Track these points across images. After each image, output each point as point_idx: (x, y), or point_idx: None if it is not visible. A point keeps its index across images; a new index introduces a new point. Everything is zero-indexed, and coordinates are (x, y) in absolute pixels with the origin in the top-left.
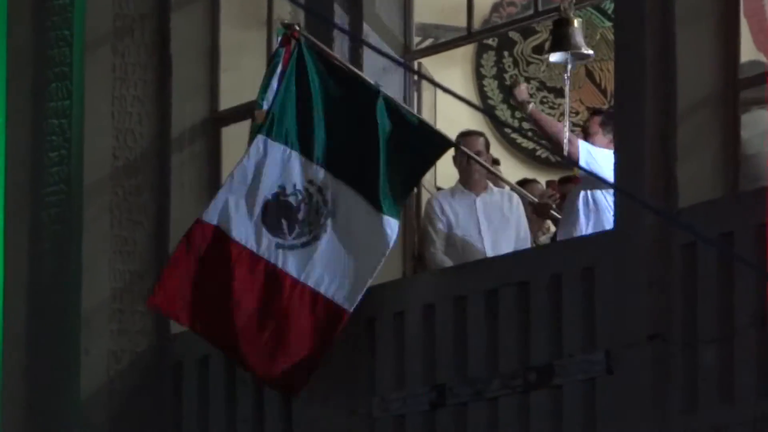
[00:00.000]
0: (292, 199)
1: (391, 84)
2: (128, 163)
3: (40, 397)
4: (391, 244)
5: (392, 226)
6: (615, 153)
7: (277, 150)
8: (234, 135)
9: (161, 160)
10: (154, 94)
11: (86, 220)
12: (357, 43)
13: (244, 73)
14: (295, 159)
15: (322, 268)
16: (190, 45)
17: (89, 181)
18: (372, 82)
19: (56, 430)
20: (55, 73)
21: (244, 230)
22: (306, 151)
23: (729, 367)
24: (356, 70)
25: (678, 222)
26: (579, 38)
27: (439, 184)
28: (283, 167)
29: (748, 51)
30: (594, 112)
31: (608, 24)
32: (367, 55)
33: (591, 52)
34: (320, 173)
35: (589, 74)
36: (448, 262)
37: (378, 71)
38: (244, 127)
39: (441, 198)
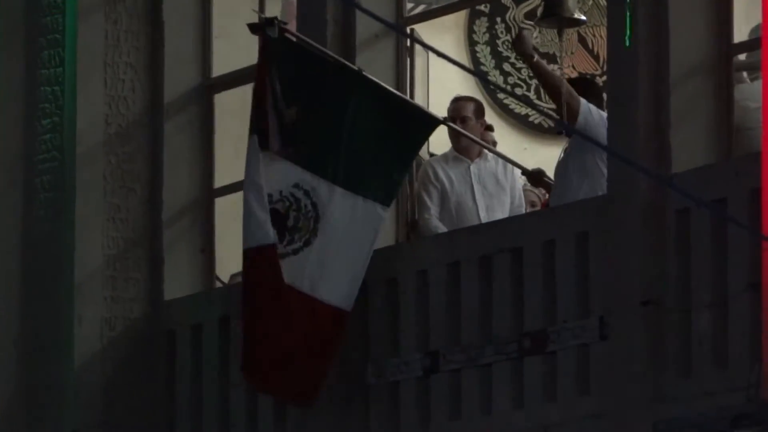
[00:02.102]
0: (279, 206)
1: (383, 51)
2: (121, 131)
3: (33, 365)
4: (379, 231)
5: (382, 213)
6: (608, 118)
7: (261, 155)
8: (226, 101)
9: (154, 127)
10: (146, 61)
11: (79, 188)
12: (349, 7)
13: (236, 39)
14: (279, 163)
15: (318, 272)
16: (182, 12)
17: (82, 148)
18: (355, 66)
19: (50, 398)
20: (48, 41)
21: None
22: (290, 154)
23: (723, 333)
24: (337, 56)
25: (672, 186)
26: (571, 4)
27: (433, 150)
28: (268, 173)
29: (741, 17)
30: (573, 80)
31: None
32: (360, 20)
33: (583, 17)
34: (306, 175)
35: (582, 40)
36: (442, 228)
37: (371, 37)
38: (236, 93)
39: (435, 164)
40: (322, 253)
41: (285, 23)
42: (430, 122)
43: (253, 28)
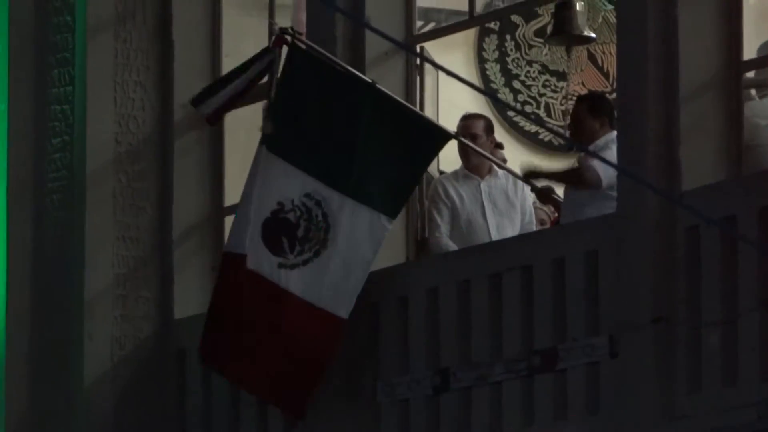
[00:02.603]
0: (290, 216)
1: (393, 68)
2: (131, 149)
3: (43, 384)
4: (382, 243)
5: (387, 225)
6: (618, 136)
7: (275, 163)
8: (236, 120)
9: (164, 145)
10: (156, 80)
11: (89, 206)
12: (359, 26)
13: (245, 57)
14: (291, 172)
15: (328, 283)
16: (191, 30)
17: (92, 167)
18: (368, 79)
19: (60, 416)
20: (57, 59)
21: (254, 253)
22: (302, 164)
23: (733, 350)
24: (350, 68)
25: (682, 204)
26: (581, 21)
27: (442, 167)
28: (280, 182)
29: (751, 34)
30: (581, 98)
31: (610, 7)
32: (369, 39)
33: (593, 35)
34: (318, 185)
35: (591, 57)
36: (453, 246)
37: (380, 56)
38: (246, 111)
39: (445, 181)
40: (334, 263)
41: (300, 33)
42: (440, 136)
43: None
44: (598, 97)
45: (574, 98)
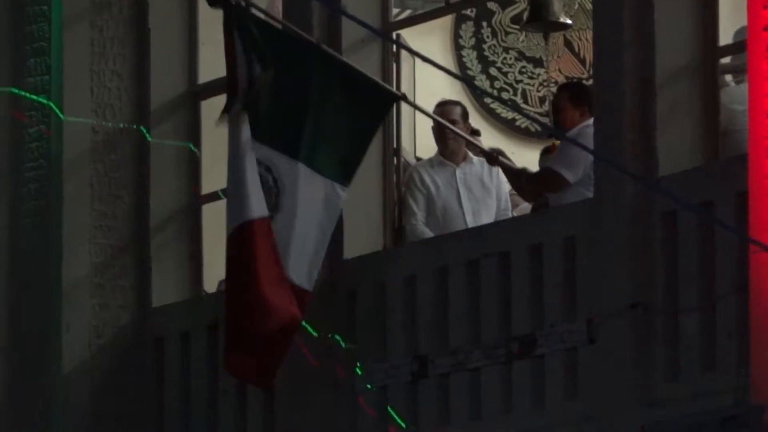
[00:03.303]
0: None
1: (369, 56)
2: (108, 138)
3: (22, 373)
4: (339, 212)
5: (341, 193)
6: (594, 122)
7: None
8: (213, 108)
9: (140, 134)
10: (132, 69)
11: (66, 196)
12: (335, 13)
13: (222, 46)
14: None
15: (281, 249)
16: (168, 19)
17: (69, 156)
18: (314, 39)
19: (39, 406)
20: (34, 49)
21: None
22: (252, 130)
23: (710, 335)
24: (294, 27)
25: (659, 189)
26: (557, 8)
27: (420, 154)
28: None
29: (727, 19)
30: (562, 86)
31: None
32: (346, 26)
33: (569, 21)
34: (266, 151)
35: (568, 44)
36: (429, 234)
37: (356, 43)
38: (223, 100)
39: (420, 169)
40: (284, 229)
41: None
42: (388, 98)
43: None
44: (579, 86)
45: (552, 85)
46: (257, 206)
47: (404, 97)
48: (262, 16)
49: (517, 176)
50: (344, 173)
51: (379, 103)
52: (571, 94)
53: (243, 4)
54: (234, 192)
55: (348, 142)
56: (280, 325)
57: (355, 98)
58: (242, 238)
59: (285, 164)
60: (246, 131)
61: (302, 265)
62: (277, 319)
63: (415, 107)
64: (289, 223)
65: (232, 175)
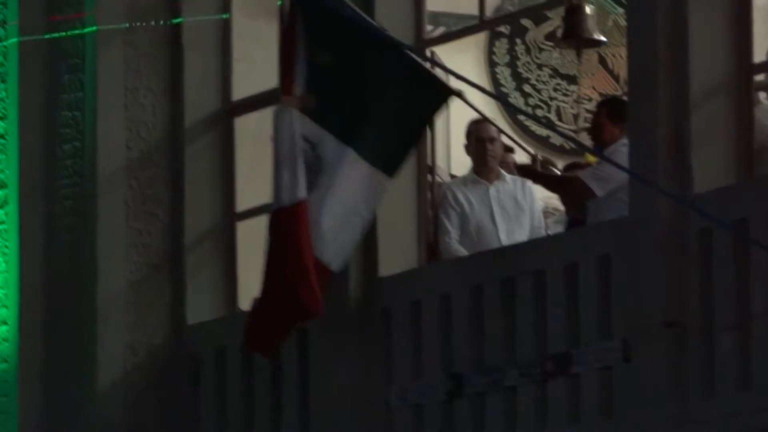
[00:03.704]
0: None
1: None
2: (142, 155)
3: (57, 391)
4: (380, 200)
5: (386, 183)
6: (629, 140)
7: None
8: (247, 125)
9: (175, 151)
10: (166, 86)
11: (101, 213)
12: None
13: (256, 62)
14: (291, 113)
15: (320, 229)
16: (202, 35)
17: (103, 173)
18: (377, 24)
19: (74, 423)
20: (68, 65)
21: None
22: (308, 103)
23: (746, 354)
24: (359, 11)
25: (693, 207)
26: (591, 25)
27: (454, 172)
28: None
29: (761, 37)
30: (601, 103)
31: (620, 10)
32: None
33: (603, 38)
34: (315, 128)
35: (602, 61)
36: (463, 251)
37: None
38: (257, 116)
39: (454, 187)
40: (315, 206)
41: None
42: (443, 93)
43: None
44: (617, 102)
45: (585, 102)
46: (303, 187)
47: (461, 94)
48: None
49: (551, 182)
50: (392, 164)
51: (434, 97)
52: (609, 110)
53: None
54: (283, 169)
55: (399, 134)
56: (296, 306)
57: (412, 91)
58: (287, 217)
59: (332, 145)
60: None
61: (332, 244)
62: (296, 300)
63: (471, 106)
64: (322, 201)
65: (283, 151)
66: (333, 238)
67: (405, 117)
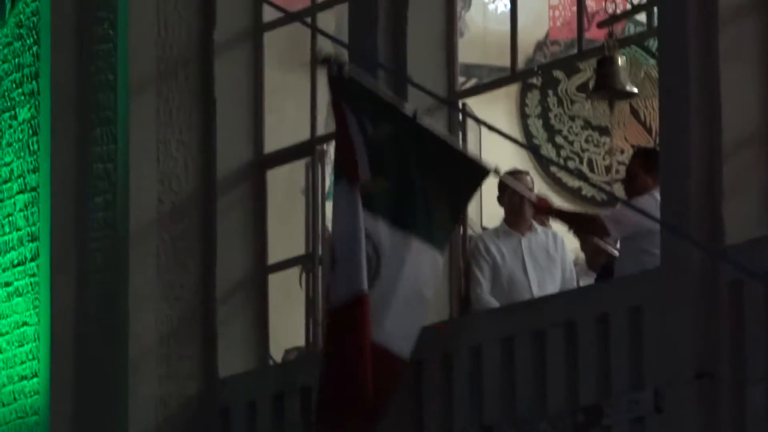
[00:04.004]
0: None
1: (436, 124)
2: (174, 208)
3: None
4: (436, 279)
5: (439, 258)
6: (661, 191)
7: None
8: (279, 178)
9: (207, 204)
10: (198, 138)
11: (132, 265)
12: (402, 82)
13: (288, 115)
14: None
15: (381, 316)
16: (233, 88)
17: (135, 226)
18: (409, 112)
19: None
20: (100, 118)
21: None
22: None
23: None
24: (391, 96)
25: (725, 258)
26: (623, 76)
27: (486, 223)
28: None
29: None
30: (635, 153)
31: (652, 62)
32: (412, 95)
33: (635, 90)
34: (365, 215)
35: (634, 112)
36: (494, 303)
37: (423, 111)
38: (288, 169)
39: (486, 238)
40: (381, 298)
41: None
42: (479, 172)
43: (322, 62)
44: (651, 153)
45: (617, 153)
46: (365, 278)
47: (497, 171)
48: (365, 84)
49: (570, 217)
50: (441, 242)
51: (472, 175)
52: (641, 160)
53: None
54: (346, 260)
55: (446, 213)
56: (375, 394)
57: (451, 171)
58: (352, 309)
59: (383, 228)
60: (359, 200)
61: (400, 332)
62: (373, 389)
63: (508, 183)
64: (389, 291)
65: (346, 242)
66: (400, 326)
67: (450, 197)
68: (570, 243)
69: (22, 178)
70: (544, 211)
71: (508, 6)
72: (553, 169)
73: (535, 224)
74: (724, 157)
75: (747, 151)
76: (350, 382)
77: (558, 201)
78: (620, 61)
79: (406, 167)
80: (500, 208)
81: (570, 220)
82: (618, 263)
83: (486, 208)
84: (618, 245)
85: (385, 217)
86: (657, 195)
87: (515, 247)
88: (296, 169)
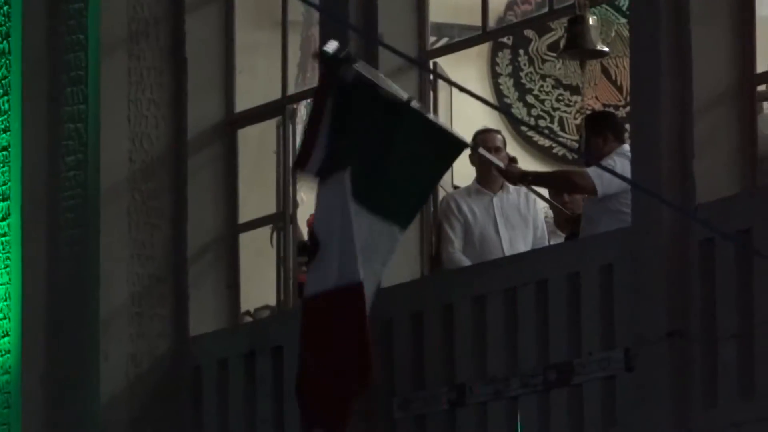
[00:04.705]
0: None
1: (406, 84)
2: (145, 167)
3: (60, 402)
4: (394, 252)
5: (399, 236)
6: (631, 150)
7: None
8: (250, 137)
9: (178, 163)
10: (169, 97)
11: (104, 225)
12: (372, 43)
13: (259, 74)
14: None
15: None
16: (204, 47)
17: (106, 185)
18: (404, 96)
19: None
20: (71, 78)
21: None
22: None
23: (749, 363)
24: (388, 86)
25: (696, 217)
26: (594, 35)
27: (457, 182)
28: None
29: (764, 46)
30: (590, 116)
31: (623, 20)
32: (382, 55)
33: (606, 49)
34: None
35: (605, 71)
36: (466, 261)
37: (393, 71)
38: (259, 128)
39: (458, 197)
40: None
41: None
42: (456, 146)
43: (322, 57)
44: (597, 115)
45: (588, 112)
46: (360, 269)
47: (475, 147)
48: (363, 72)
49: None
50: (405, 218)
51: (448, 149)
52: (590, 123)
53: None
54: (340, 250)
55: (414, 189)
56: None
57: (428, 148)
58: (346, 299)
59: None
60: (348, 188)
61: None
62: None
63: (487, 157)
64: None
65: (337, 231)
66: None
67: (422, 174)
68: (540, 202)
69: None
70: (515, 179)
71: None
72: (524, 128)
73: (507, 183)
74: (695, 115)
75: (717, 110)
76: (342, 361)
77: (529, 160)
78: (591, 20)
79: (384, 152)
80: (472, 167)
81: (548, 181)
82: (588, 221)
83: (457, 167)
84: (588, 204)
85: (357, 198)
86: (615, 158)
87: (487, 205)
88: (267, 128)
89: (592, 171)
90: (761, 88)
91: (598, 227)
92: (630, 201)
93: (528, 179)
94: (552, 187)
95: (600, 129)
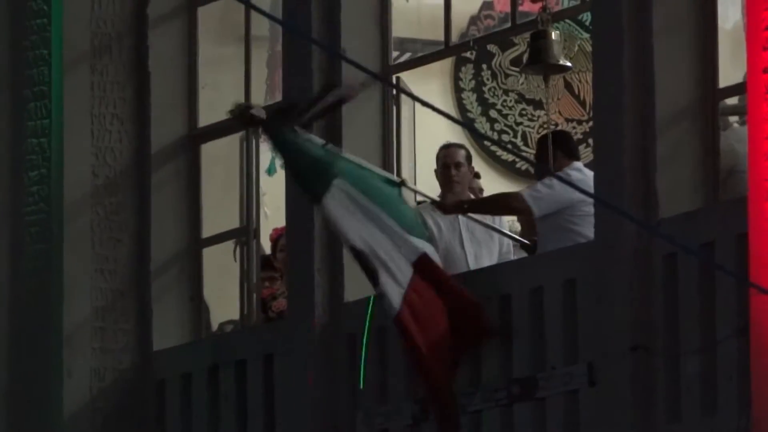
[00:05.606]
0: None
1: (369, 99)
2: (108, 182)
3: (22, 416)
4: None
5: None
6: (594, 164)
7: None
8: (213, 152)
9: (141, 177)
10: (132, 112)
11: (67, 240)
12: (335, 57)
13: (222, 89)
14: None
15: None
16: (168, 62)
17: (69, 200)
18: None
19: None
20: (34, 93)
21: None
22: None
23: (711, 378)
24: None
25: (659, 232)
26: (557, 50)
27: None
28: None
29: (727, 61)
30: (541, 138)
31: (586, 35)
32: (346, 70)
33: (569, 63)
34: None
35: (568, 86)
36: None
37: (357, 86)
38: (222, 144)
39: (423, 211)
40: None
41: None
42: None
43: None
44: (549, 134)
45: (552, 127)
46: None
47: (403, 183)
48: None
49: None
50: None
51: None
52: (539, 142)
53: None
54: (388, 243)
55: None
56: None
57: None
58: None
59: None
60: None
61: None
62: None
63: (416, 191)
64: None
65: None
66: None
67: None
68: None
69: None
70: (450, 210)
71: None
72: (487, 142)
73: (473, 197)
74: (657, 129)
75: (680, 125)
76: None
77: (493, 175)
78: (554, 35)
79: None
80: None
81: (485, 207)
82: (540, 239)
83: (424, 182)
84: (538, 223)
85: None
86: (576, 167)
87: (452, 220)
88: (231, 143)
89: (526, 193)
90: (730, 102)
91: (549, 245)
92: (579, 217)
93: (464, 207)
94: (489, 212)
95: (552, 147)
